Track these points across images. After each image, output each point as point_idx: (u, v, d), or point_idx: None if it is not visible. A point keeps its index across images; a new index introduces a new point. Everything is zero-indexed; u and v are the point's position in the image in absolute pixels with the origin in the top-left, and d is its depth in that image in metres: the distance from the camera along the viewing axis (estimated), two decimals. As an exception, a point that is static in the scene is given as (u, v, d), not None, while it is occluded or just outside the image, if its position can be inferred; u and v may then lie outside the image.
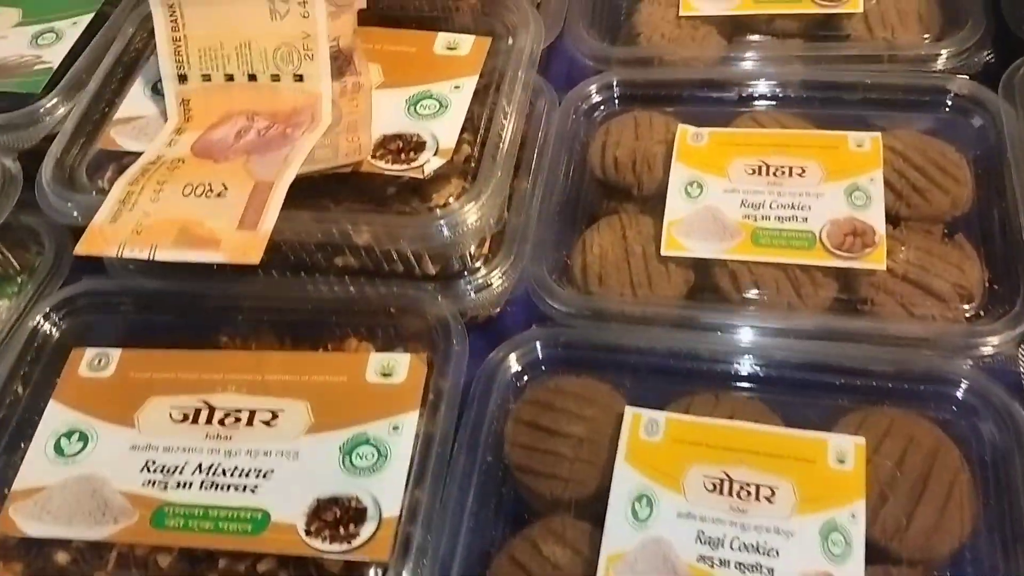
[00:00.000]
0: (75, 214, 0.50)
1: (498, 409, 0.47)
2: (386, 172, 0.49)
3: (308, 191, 0.48)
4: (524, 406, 0.47)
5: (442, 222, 0.46)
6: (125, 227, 0.45)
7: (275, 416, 0.47)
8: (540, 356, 0.49)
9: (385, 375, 0.48)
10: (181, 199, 0.46)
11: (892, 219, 0.49)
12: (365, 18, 0.54)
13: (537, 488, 0.45)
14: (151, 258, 0.44)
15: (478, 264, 0.51)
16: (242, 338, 0.50)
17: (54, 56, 0.58)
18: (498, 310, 0.52)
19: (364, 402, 0.47)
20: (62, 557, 0.45)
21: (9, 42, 0.60)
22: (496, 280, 0.51)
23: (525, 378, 0.48)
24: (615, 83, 0.58)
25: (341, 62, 0.51)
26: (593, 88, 0.58)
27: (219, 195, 0.46)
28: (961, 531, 0.41)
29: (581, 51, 0.60)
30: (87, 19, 0.61)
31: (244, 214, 0.44)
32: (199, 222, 0.45)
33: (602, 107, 0.58)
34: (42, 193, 0.50)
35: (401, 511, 0.43)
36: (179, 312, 0.52)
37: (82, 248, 0.45)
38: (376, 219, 0.47)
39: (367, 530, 0.43)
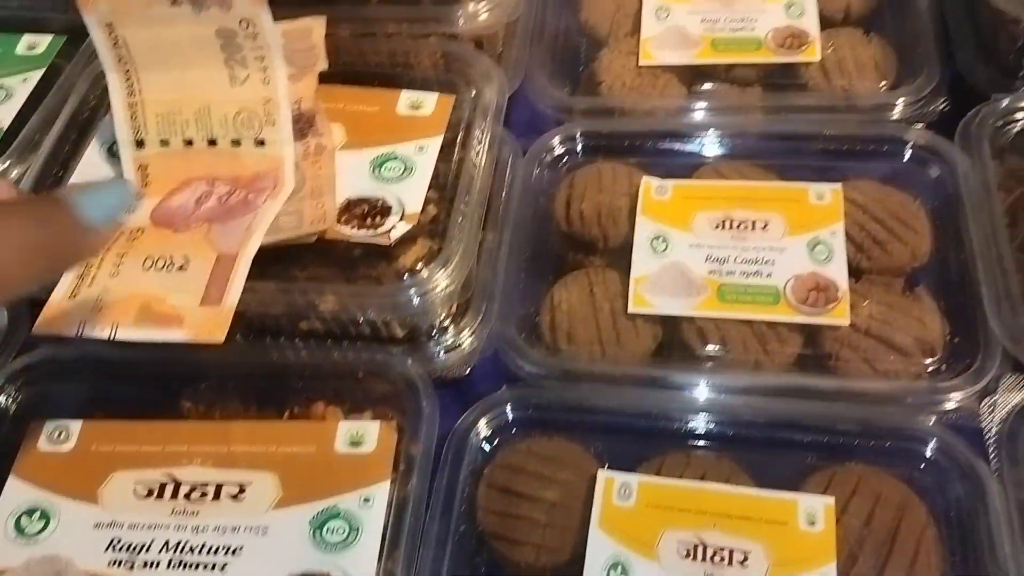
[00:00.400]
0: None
1: (470, 474, 0.47)
2: (351, 239, 0.48)
3: (272, 258, 0.47)
4: (496, 470, 0.47)
5: (412, 291, 0.46)
6: (85, 304, 0.44)
7: (242, 490, 0.46)
8: (511, 418, 0.48)
9: (355, 444, 0.47)
10: (141, 273, 0.45)
11: (853, 272, 0.50)
12: (326, 75, 0.54)
13: (511, 556, 0.45)
14: (112, 338, 0.43)
15: (446, 323, 0.51)
16: (206, 405, 0.49)
17: (4, 115, 0.57)
18: (468, 369, 0.51)
19: (334, 474, 0.46)
20: (23, 644, 0.44)
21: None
22: (465, 340, 0.51)
23: (496, 441, 0.48)
24: (578, 134, 0.58)
25: (303, 124, 0.50)
26: (556, 140, 0.58)
27: (180, 268, 0.45)
28: (929, 590, 0.41)
29: (543, 102, 0.60)
30: (38, 75, 0.59)
31: (207, 290, 0.44)
32: (161, 298, 0.44)
33: (566, 158, 0.58)
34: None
35: (378, 587, 0.42)
36: (141, 380, 0.51)
37: (40, 328, 0.44)
38: (343, 288, 0.47)
39: (338, 609, 0.42)
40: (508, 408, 0.48)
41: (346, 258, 0.49)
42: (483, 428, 0.48)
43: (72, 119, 0.55)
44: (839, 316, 0.48)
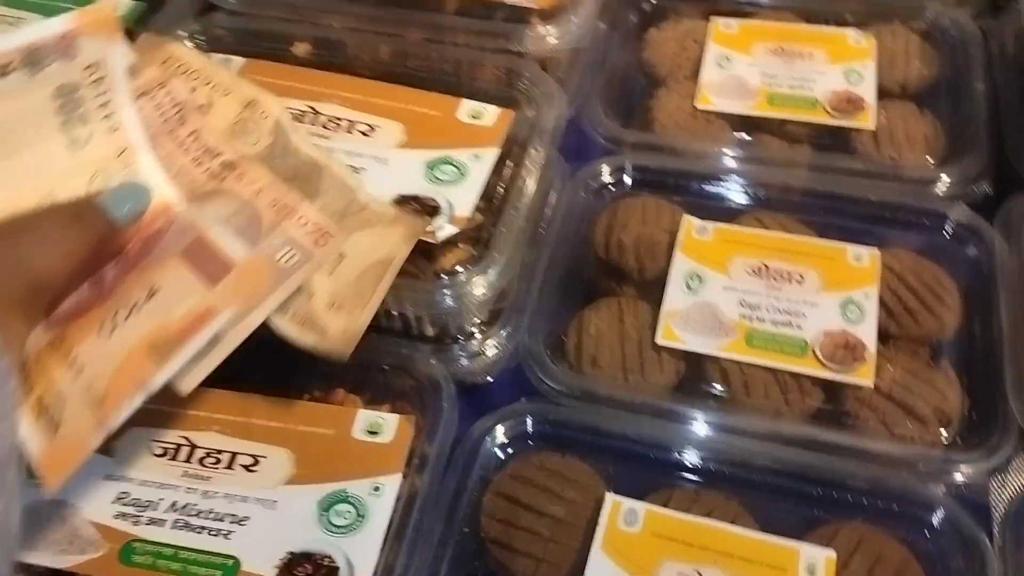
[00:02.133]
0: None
1: (479, 480, 0.47)
2: (397, 231, 0.49)
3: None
4: (505, 479, 0.48)
5: (448, 292, 0.47)
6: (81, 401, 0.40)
7: (256, 462, 0.47)
8: (526, 430, 0.49)
9: (371, 432, 0.48)
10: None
11: (881, 335, 0.51)
12: (390, 76, 0.55)
13: (511, 565, 0.45)
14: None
15: (476, 329, 0.52)
16: (228, 378, 0.50)
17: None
18: (490, 378, 0.52)
19: (348, 458, 0.47)
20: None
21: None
22: (491, 349, 0.52)
23: (509, 451, 0.49)
24: (626, 166, 0.59)
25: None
26: (605, 168, 0.59)
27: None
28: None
29: (597, 130, 0.61)
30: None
31: None
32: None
33: (612, 188, 0.59)
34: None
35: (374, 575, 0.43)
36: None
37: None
38: (383, 278, 0.48)
39: (338, 596, 0.43)
40: (525, 420, 0.49)
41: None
42: (498, 436, 0.49)
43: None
44: (863, 377, 0.49)
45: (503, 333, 0.52)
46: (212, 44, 0.59)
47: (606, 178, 0.59)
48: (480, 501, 0.47)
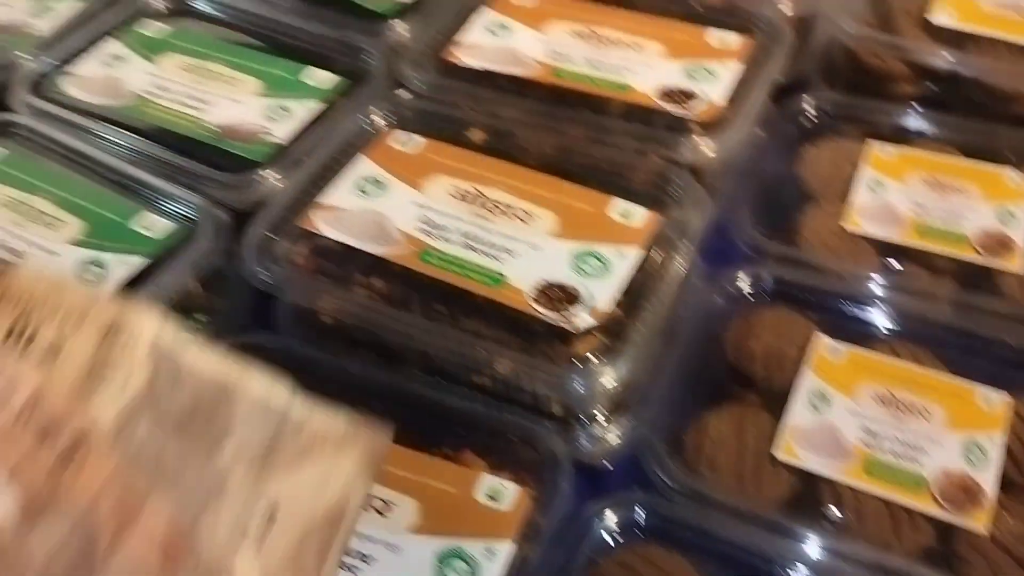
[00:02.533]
0: (269, 281, 0.57)
1: (585, 561, 0.50)
2: (538, 316, 0.53)
3: (462, 305, 0.54)
4: (611, 566, 0.50)
5: (579, 378, 0.50)
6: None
7: (387, 506, 0.51)
8: (636, 520, 0.51)
9: (491, 497, 0.51)
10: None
11: (1004, 484, 0.50)
12: (552, 167, 0.60)
13: (606, 648, 0.48)
14: None
15: (598, 415, 0.55)
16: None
17: (282, 132, 0.67)
18: (607, 462, 0.55)
19: (468, 518, 0.50)
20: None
21: (245, 108, 0.69)
22: (612, 436, 0.54)
23: (617, 536, 0.51)
24: (766, 276, 0.61)
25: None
26: (744, 275, 0.61)
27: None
28: None
29: (740, 237, 0.64)
30: (316, 105, 0.68)
31: None
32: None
33: (749, 296, 0.61)
34: (245, 255, 0.57)
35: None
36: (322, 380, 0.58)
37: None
38: (520, 357, 0.52)
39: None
40: (636, 509, 0.51)
41: (528, 331, 0.54)
42: (608, 520, 0.51)
43: (336, 151, 0.64)
44: (979, 522, 0.49)
45: (626, 422, 0.55)
46: (401, 122, 0.66)
47: (744, 286, 0.61)
48: (583, 581, 0.50)
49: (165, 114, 0.68)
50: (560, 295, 0.54)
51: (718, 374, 0.59)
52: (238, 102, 0.69)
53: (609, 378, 0.52)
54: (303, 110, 0.68)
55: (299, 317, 0.61)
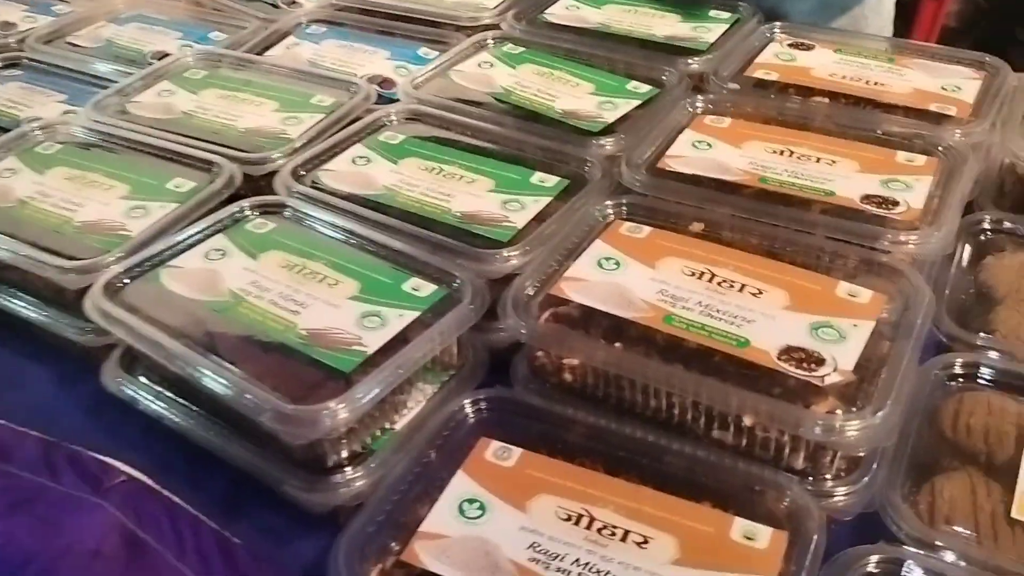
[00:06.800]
0: (525, 335, 0.64)
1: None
2: (787, 372, 0.59)
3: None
4: (866, 610, 0.53)
5: (825, 431, 0.55)
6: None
7: (646, 541, 0.55)
8: (880, 571, 0.54)
9: (748, 538, 0.55)
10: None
11: None
12: (766, 254, 0.68)
13: None
14: None
15: (836, 469, 0.59)
16: (627, 471, 0.60)
17: (519, 220, 0.75)
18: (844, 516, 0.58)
19: (727, 555, 0.54)
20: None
21: (483, 201, 0.78)
22: (842, 496, 0.58)
23: (866, 585, 0.54)
24: (979, 363, 0.66)
25: None
26: (958, 361, 0.66)
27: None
28: None
29: (940, 328, 0.69)
30: (544, 201, 0.78)
31: None
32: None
33: (960, 380, 0.66)
34: (506, 313, 0.65)
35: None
36: (572, 433, 0.63)
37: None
38: (767, 411, 0.57)
39: (726, 662, 0.49)
40: (879, 560, 0.54)
41: (776, 386, 0.59)
42: (859, 568, 0.54)
43: (572, 235, 0.72)
44: None
45: (860, 482, 0.58)
46: (628, 215, 0.74)
47: (954, 371, 0.66)
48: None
49: (412, 202, 0.78)
50: (803, 356, 0.60)
51: (932, 450, 0.63)
52: (476, 196, 0.79)
53: (852, 433, 0.56)
54: (535, 204, 0.77)
55: (536, 374, 0.67)
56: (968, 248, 0.79)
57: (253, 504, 0.67)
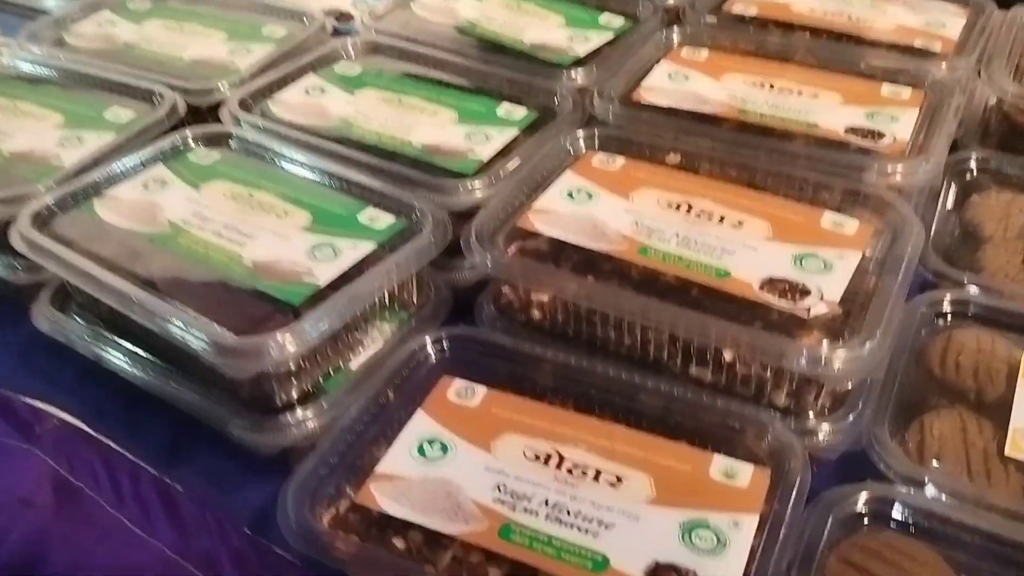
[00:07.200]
0: (491, 269, 0.59)
1: (826, 545, 0.49)
2: (770, 304, 0.55)
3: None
4: (852, 549, 0.49)
5: (810, 363, 0.52)
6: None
7: (619, 480, 0.51)
8: (870, 509, 0.51)
9: (728, 476, 0.51)
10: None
11: None
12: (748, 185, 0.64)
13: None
14: None
15: (820, 405, 0.55)
16: (598, 407, 0.56)
17: (484, 152, 0.71)
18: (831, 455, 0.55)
19: (706, 493, 0.50)
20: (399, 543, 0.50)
21: (447, 133, 0.73)
22: (827, 434, 0.55)
23: (852, 525, 0.51)
24: (968, 299, 0.63)
25: None
26: (946, 297, 0.63)
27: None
28: None
29: (926, 265, 0.66)
30: (511, 133, 0.73)
31: None
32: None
33: (949, 317, 0.63)
34: (470, 246, 0.60)
35: (740, 600, 0.45)
36: (539, 373, 0.59)
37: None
38: (749, 343, 0.53)
39: (704, 604, 0.45)
40: (867, 499, 0.51)
41: (758, 320, 0.55)
42: (845, 509, 0.51)
43: (541, 168, 0.68)
44: None
45: (846, 421, 0.55)
46: (601, 146, 0.70)
47: (945, 307, 0.63)
48: (823, 565, 0.49)
49: (369, 134, 0.73)
50: (787, 287, 0.56)
51: (920, 388, 0.60)
52: (439, 128, 0.73)
53: (838, 365, 0.52)
54: (501, 137, 0.72)
55: (502, 312, 0.63)
56: (953, 187, 0.76)
57: (198, 450, 0.62)
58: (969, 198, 0.74)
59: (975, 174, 0.77)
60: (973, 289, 0.64)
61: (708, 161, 0.68)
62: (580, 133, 0.70)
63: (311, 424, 0.56)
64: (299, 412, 0.57)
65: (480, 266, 0.60)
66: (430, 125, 0.74)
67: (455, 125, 0.74)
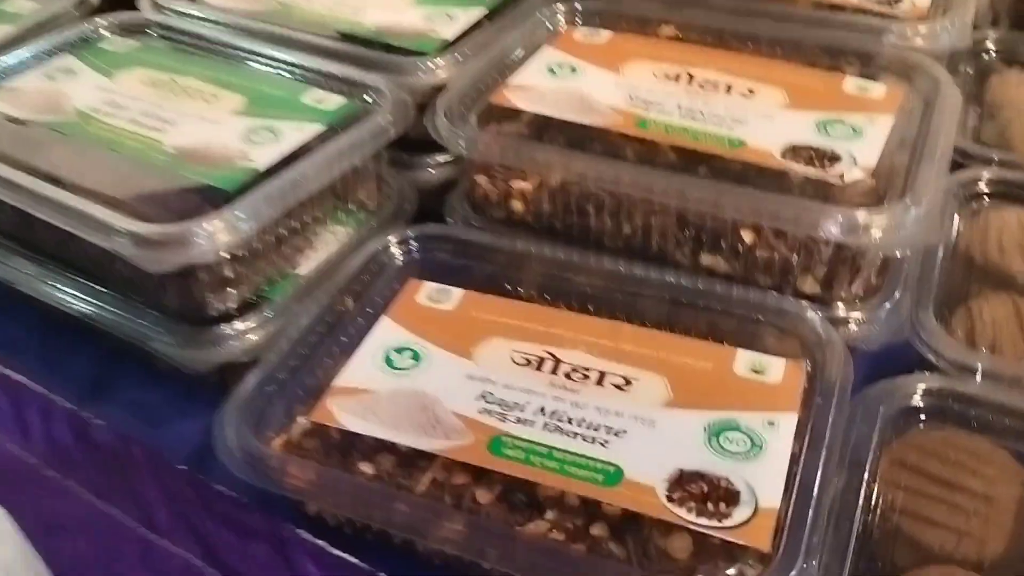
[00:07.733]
0: (462, 145, 0.50)
1: (879, 444, 0.42)
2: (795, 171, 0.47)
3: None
4: (906, 449, 0.42)
5: (848, 232, 0.43)
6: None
7: (628, 382, 0.43)
8: (923, 403, 0.43)
9: (756, 372, 0.43)
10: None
11: None
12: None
13: (921, 535, 0.39)
14: None
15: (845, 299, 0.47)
16: (595, 307, 0.48)
17: (447, 32, 0.61)
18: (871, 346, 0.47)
19: (732, 392, 0.42)
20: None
21: (402, 14, 0.63)
22: (864, 323, 0.47)
23: (903, 421, 0.43)
24: (1002, 180, 0.56)
25: None
26: (983, 175, 0.55)
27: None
28: None
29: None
30: (482, 12, 0.63)
31: None
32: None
33: (986, 198, 0.55)
34: (437, 124, 0.51)
35: (784, 506, 0.37)
36: (523, 271, 0.50)
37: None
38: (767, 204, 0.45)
39: (741, 514, 0.37)
40: (921, 392, 0.43)
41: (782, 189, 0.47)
42: (895, 403, 0.43)
43: (515, 43, 0.58)
44: None
45: (886, 306, 0.47)
46: (584, 20, 0.61)
47: (982, 187, 0.55)
48: (876, 465, 0.41)
49: (312, 16, 0.63)
50: (813, 154, 0.48)
51: (961, 272, 0.52)
52: (393, 10, 0.64)
53: (878, 233, 0.44)
54: (467, 16, 0.63)
55: (477, 207, 0.54)
56: (970, 70, 0.68)
57: (124, 381, 0.52)
58: (988, 79, 0.67)
59: (992, 55, 0.69)
60: (1009, 167, 0.57)
61: (706, 32, 0.59)
62: (559, 7, 0.61)
63: (252, 336, 0.47)
64: (237, 323, 0.47)
65: (451, 146, 0.50)
66: (382, 6, 0.64)
67: (412, 8, 0.64)
